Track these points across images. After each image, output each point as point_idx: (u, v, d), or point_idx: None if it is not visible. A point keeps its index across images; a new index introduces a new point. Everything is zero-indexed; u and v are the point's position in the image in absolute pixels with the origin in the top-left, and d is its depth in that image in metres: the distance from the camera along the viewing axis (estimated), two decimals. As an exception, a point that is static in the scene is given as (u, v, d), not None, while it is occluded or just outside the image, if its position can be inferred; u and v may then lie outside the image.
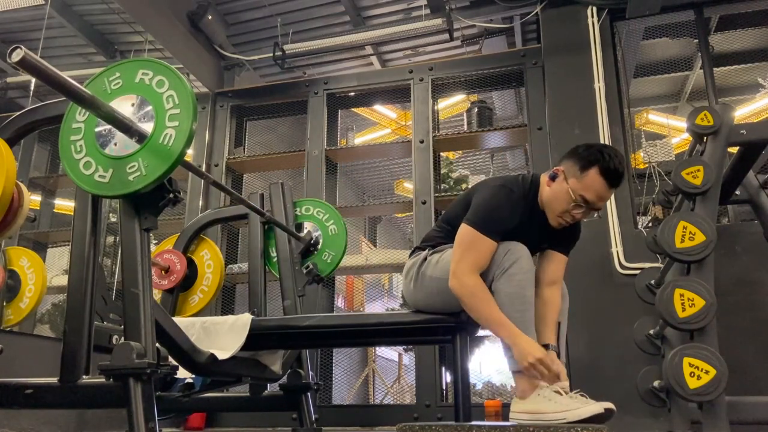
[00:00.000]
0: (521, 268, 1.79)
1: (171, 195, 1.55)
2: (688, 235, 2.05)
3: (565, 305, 2.05)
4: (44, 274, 2.89)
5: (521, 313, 1.78)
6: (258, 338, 2.12)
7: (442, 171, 4.37)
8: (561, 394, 1.70)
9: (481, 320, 1.82)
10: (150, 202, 1.55)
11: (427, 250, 2.02)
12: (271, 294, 3.08)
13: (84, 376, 1.60)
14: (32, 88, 3.91)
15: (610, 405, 1.67)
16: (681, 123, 4.64)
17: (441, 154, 4.31)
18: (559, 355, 1.95)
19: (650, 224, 3.48)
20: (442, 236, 2.03)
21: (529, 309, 1.80)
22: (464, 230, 1.87)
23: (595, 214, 2.01)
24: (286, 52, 4.60)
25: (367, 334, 2.21)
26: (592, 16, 3.71)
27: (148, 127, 1.49)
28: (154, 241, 3.73)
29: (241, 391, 2.63)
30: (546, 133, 3.67)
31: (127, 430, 1.37)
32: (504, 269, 1.79)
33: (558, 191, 1.89)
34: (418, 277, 1.99)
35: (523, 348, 1.72)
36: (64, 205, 4.56)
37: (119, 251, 2.18)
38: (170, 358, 1.65)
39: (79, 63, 4.53)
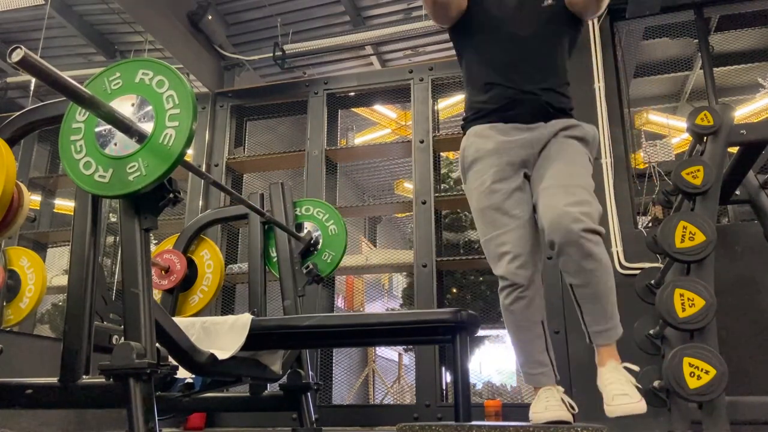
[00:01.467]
0: (513, 309, 1.77)
1: (171, 195, 1.56)
2: (688, 235, 2.05)
3: (593, 278, 1.69)
4: (44, 274, 2.88)
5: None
6: (258, 338, 2.12)
7: (442, 171, 4.37)
8: (552, 398, 1.74)
9: None
10: (150, 202, 1.55)
11: None
12: (271, 294, 3.08)
13: (84, 376, 1.61)
14: (32, 88, 3.91)
15: (567, 417, 1.70)
16: (681, 123, 4.64)
17: (441, 154, 4.31)
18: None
19: (650, 224, 3.48)
20: None
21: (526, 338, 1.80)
22: None
23: None
24: (286, 52, 4.60)
25: (367, 334, 2.21)
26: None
27: (148, 127, 1.49)
28: (154, 241, 3.73)
29: (241, 391, 2.63)
30: (546, 133, 3.67)
31: (127, 430, 1.37)
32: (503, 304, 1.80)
33: None
34: None
35: None
36: (64, 205, 4.56)
37: (119, 251, 2.18)
38: (170, 358, 1.65)
39: (79, 63, 4.53)
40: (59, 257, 4.29)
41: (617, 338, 1.74)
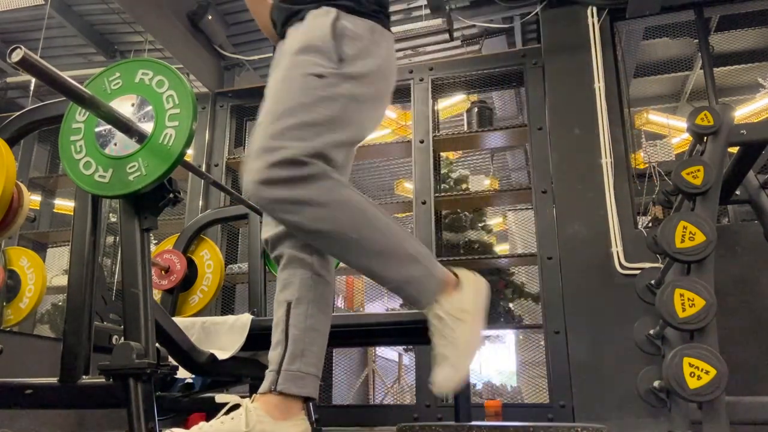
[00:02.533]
0: None
1: (171, 195, 1.55)
2: (688, 235, 2.05)
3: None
4: (44, 274, 2.88)
5: None
6: (258, 338, 2.12)
7: (442, 171, 4.36)
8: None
9: None
10: (150, 202, 1.55)
11: None
12: (271, 294, 3.07)
13: (84, 376, 1.60)
14: (32, 88, 3.92)
15: None
16: (681, 123, 4.64)
17: (441, 154, 4.31)
18: None
19: (650, 224, 3.48)
20: None
21: None
22: None
23: None
24: (286, 52, 4.60)
25: (367, 334, 2.21)
26: (592, 16, 3.71)
27: (148, 127, 1.49)
28: (154, 241, 3.73)
29: (241, 391, 2.63)
30: (546, 133, 3.67)
31: (127, 430, 1.37)
32: None
33: None
34: None
35: None
36: (64, 205, 4.56)
37: (119, 251, 2.18)
38: (170, 358, 1.65)
39: (79, 63, 4.53)
40: (59, 257, 4.29)
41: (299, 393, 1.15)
